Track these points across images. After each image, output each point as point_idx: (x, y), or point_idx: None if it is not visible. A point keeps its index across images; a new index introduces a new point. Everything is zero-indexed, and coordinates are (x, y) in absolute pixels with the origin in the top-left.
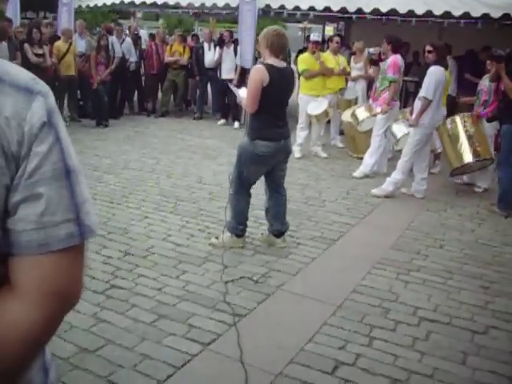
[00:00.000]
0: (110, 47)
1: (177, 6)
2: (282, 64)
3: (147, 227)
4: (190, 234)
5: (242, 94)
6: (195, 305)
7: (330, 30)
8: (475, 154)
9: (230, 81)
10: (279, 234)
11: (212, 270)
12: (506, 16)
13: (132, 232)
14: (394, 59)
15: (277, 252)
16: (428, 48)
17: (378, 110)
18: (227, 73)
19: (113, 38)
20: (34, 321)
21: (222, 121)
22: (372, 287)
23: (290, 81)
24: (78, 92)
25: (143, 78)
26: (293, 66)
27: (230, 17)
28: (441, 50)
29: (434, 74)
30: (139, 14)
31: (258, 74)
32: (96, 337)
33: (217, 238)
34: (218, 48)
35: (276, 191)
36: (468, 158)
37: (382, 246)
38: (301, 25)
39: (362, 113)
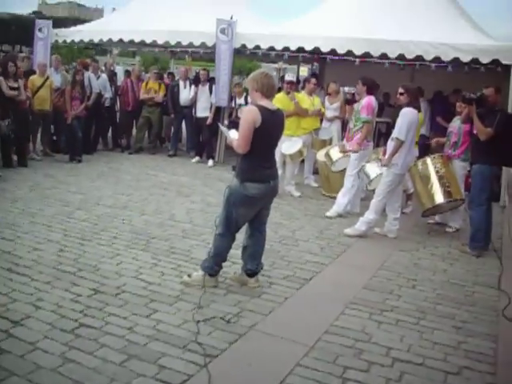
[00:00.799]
0: (87, 83)
1: (153, 44)
2: (274, 106)
3: (118, 265)
4: (162, 272)
5: (233, 135)
6: (166, 345)
7: (304, 70)
8: (446, 194)
9: (206, 119)
10: (253, 273)
11: (184, 309)
12: (474, 60)
13: (103, 269)
14: (369, 100)
15: (249, 292)
16: (400, 90)
17: (350, 148)
18: (202, 111)
19: (90, 74)
20: None
21: (197, 158)
22: (345, 327)
23: (280, 123)
24: (52, 127)
25: (118, 114)
26: None
27: (206, 56)
28: (413, 92)
29: (407, 116)
30: (116, 51)
31: (251, 115)
32: (63, 378)
33: (189, 275)
34: (193, 86)
35: (258, 230)
36: (439, 198)
37: (355, 285)
38: (276, 65)
39: (335, 153)
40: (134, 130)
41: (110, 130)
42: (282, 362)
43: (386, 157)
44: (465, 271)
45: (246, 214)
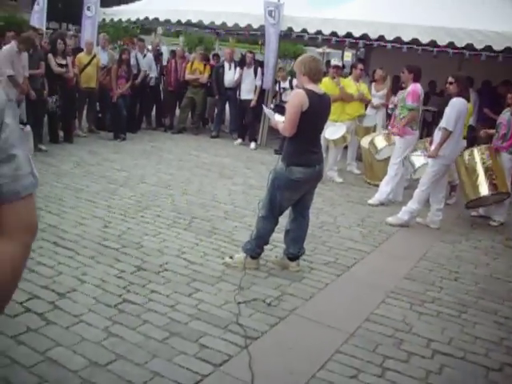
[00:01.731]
0: (134, 62)
1: (199, 25)
2: (321, 90)
3: (161, 243)
4: (204, 253)
5: (278, 118)
6: (207, 324)
7: (348, 55)
8: (492, 187)
9: (250, 101)
10: (294, 257)
11: (225, 289)
12: None
13: (146, 247)
14: (414, 88)
15: (290, 276)
16: (450, 79)
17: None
18: (246, 93)
19: (137, 53)
20: (17, 252)
21: (239, 140)
22: (385, 316)
23: (327, 107)
24: (98, 104)
25: (162, 93)
26: None
27: (250, 38)
28: (463, 82)
29: (456, 106)
30: (160, 30)
31: (298, 99)
32: (107, 351)
33: (231, 257)
34: (238, 68)
35: (301, 214)
36: (484, 190)
37: (396, 275)
38: (320, 49)
39: (380, 141)
40: (178, 110)
41: (154, 109)
42: (322, 348)
43: (433, 147)
44: (508, 266)
45: (291, 197)
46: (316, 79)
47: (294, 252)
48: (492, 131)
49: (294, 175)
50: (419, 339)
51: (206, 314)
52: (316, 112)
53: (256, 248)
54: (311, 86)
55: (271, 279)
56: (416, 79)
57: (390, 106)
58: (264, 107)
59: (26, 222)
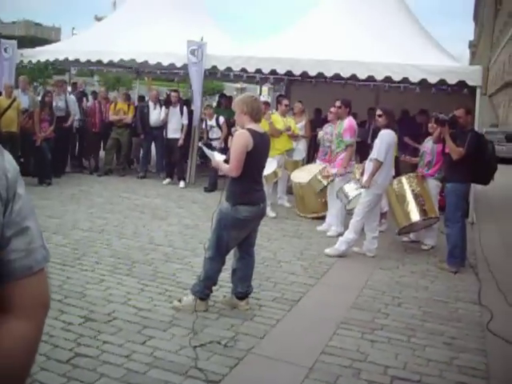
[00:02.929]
0: (63, 104)
1: (120, 64)
2: (261, 129)
3: (105, 291)
4: (151, 298)
5: (218, 157)
6: (166, 372)
7: (265, 90)
8: (422, 212)
9: (177, 140)
10: (243, 296)
11: (178, 334)
12: (441, 81)
13: (90, 296)
14: (351, 123)
15: (241, 315)
16: (378, 112)
17: (334, 171)
18: (173, 132)
19: (67, 96)
20: (32, 331)
21: (168, 180)
22: (340, 348)
23: (267, 146)
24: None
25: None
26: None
27: (168, 76)
28: (390, 114)
29: (386, 137)
30: (73, 70)
31: (244, 139)
32: None
33: (179, 300)
34: (163, 107)
35: (247, 253)
36: (415, 216)
37: (343, 305)
38: (238, 85)
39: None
40: (102, 152)
41: (77, 152)
42: None
43: (366, 177)
44: (446, 288)
45: (238, 236)
46: (257, 119)
47: (243, 291)
48: (415, 159)
49: (241, 214)
50: (376, 367)
51: (163, 361)
52: (259, 151)
53: (205, 289)
54: (253, 126)
55: (223, 320)
56: (350, 113)
57: (323, 138)
58: (204, 147)
59: (39, 298)
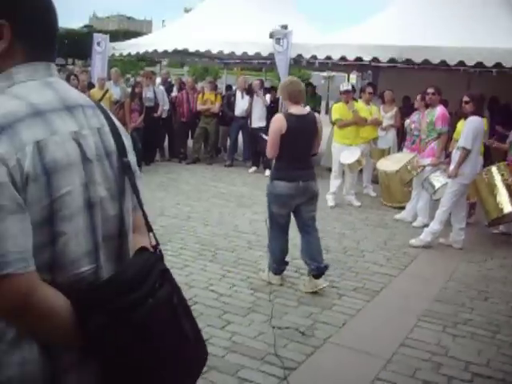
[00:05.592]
0: (152, 95)
1: (207, 55)
2: (303, 111)
3: (188, 276)
4: (232, 284)
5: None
6: (244, 357)
7: (353, 78)
8: None
9: (261, 129)
10: (318, 274)
11: (257, 320)
12: None
13: None
14: (443, 111)
15: (321, 303)
16: (465, 99)
17: (428, 161)
18: (257, 121)
19: (155, 87)
20: None
21: (253, 168)
22: (420, 340)
23: (310, 125)
24: None
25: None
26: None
27: (259, 65)
28: (478, 101)
29: (473, 124)
30: (165, 62)
31: (276, 124)
32: None
33: (263, 271)
34: (248, 97)
35: (305, 231)
36: (508, 208)
37: (425, 297)
38: (325, 73)
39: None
40: (190, 141)
41: (167, 141)
42: (361, 376)
43: (453, 167)
44: None
45: (280, 212)
46: (296, 101)
47: (315, 267)
48: (505, 146)
49: (276, 189)
50: (457, 362)
51: (241, 345)
52: (296, 132)
53: (273, 264)
54: (293, 109)
55: (302, 308)
56: (442, 101)
57: (411, 127)
58: (263, 136)
59: None
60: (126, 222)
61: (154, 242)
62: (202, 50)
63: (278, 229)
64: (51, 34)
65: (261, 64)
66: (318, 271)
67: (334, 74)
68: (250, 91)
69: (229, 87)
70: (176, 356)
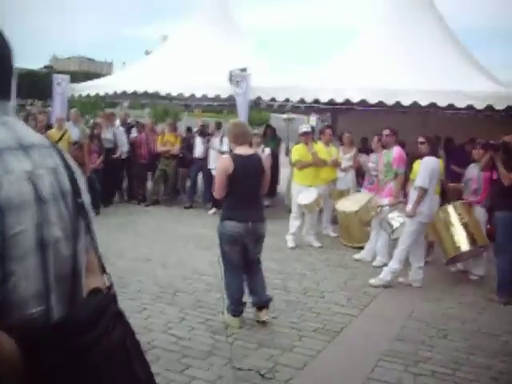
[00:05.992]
0: (111, 136)
1: (168, 97)
2: (249, 151)
3: (147, 319)
4: (191, 327)
5: None
6: None
7: (313, 120)
8: (472, 241)
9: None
10: (260, 305)
11: (217, 363)
12: (488, 107)
13: (131, 324)
14: (400, 152)
15: (281, 345)
16: (421, 140)
17: (386, 201)
18: (214, 162)
19: (115, 128)
20: None
21: (213, 210)
22: (382, 381)
23: (256, 165)
24: None
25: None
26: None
27: (216, 107)
28: (433, 141)
29: (429, 164)
30: (125, 103)
31: (222, 164)
32: None
33: (222, 313)
34: (203, 138)
35: (249, 269)
36: (465, 246)
37: (386, 337)
38: (285, 115)
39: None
40: (149, 182)
41: (126, 182)
42: None
43: (411, 206)
44: (494, 320)
45: (230, 251)
46: (241, 142)
47: (257, 300)
48: (460, 185)
49: (226, 229)
50: None
51: None
52: (242, 173)
53: (231, 305)
54: (238, 150)
55: (262, 350)
56: (399, 142)
57: (370, 166)
58: (212, 171)
59: None
60: (79, 262)
61: (107, 284)
62: (162, 92)
63: (231, 268)
64: (7, 74)
65: (221, 106)
66: (259, 303)
67: (293, 116)
68: (201, 133)
69: (189, 129)
70: None
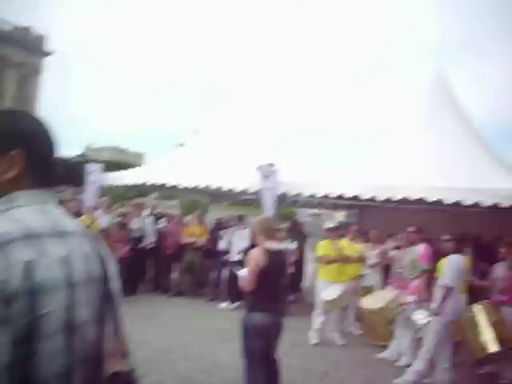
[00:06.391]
0: (137, 226)
1: (194, 190)
2: (277, 246)
3: None
4: None
5: (243, 274)
6: None
7: (340, 215)
8: (500, 342)
9: (239, 262)
10: None
11: None
12: None
13: None
14: (427, 248)
15: None
16: (445, 237)
17: (411, 299)
18: (237, 255)
19: (144, 218)
20: None
21: (237, 303)
22: None
23: (282, 261)
24: None
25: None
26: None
27: (245, 201)
28: (458, 239)
29: (453, 261)
30: (154, 194)
31: (256, 257)
32: None
33: None
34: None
35: (271, 365)
36: (493, 347)
37: None
38: (313, 210)
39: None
40: (174, 274)
41: (152, 272)
42: None
43: (436, 305)
44: None
45: (256, 344)
46: (270, 236)
47: None
48: (485, 283)
49: (254, 320)
50: None
51: None
52: (272, 267)
53: None
54: (267, 243)
55: None
56: (426, 239)
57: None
58: (233, 268)
59: None
60: (103, 346)
61: (127, 369)
62: (190, 185)
63: (252, 361)
64: (51, 163)
65: (248, 200)
66: None
67: (321, 211)
68: (223, 226)
69: (219, 222)
70: None
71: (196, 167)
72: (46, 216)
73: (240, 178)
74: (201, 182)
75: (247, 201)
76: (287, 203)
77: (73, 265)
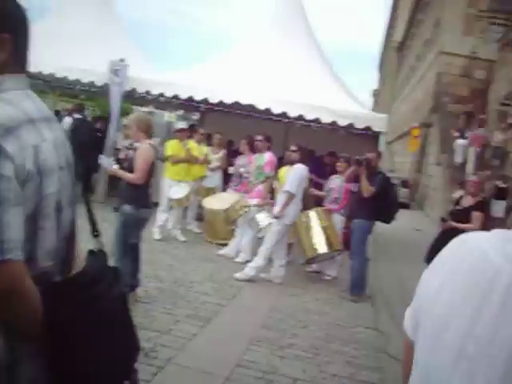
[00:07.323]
0: None
1: (39, 77)
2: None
3: None
4: None
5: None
6: None
7: (172, 116)
8: (329, 245)
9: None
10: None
11: None
12: (350, 125)
13: None
14: (272, 157)
15: (158, 328)
16: (293, 148)
17: (254, 202)
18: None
19: None
20: None
21: None
22: (253, 361)
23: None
24: None
25: None
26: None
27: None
28: (304, 151)
29: (299, 171)
30: None
31: (150, 153)
32: None
33: None
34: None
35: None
36: (323, 248)
37: (253, 324)
38: (146, 108)
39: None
40: None
41: None
42: None
43: (278, 209)
44: (346, 314)
45: (134, 233)
46: (150, 134)
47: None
48: (323, 193)
49: (143, 215)
50: (286, 379)
51: None
52: (154, 162)
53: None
54: (149, 141)
55: (141, 332)
56: (270, 147)
57: (239, 171)
58: (101, 158)
59: None
60: (76, 226)
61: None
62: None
63: (128, 249)
64: (28, 48)
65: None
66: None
67: (153, 110)
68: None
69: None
70: (124, 345)
71: (41, 49)
72: (32, 101)
73: (88, 70)
74: (44, 68)
75: (78, 91)
76: (133, 99)
77: (59, 150)
